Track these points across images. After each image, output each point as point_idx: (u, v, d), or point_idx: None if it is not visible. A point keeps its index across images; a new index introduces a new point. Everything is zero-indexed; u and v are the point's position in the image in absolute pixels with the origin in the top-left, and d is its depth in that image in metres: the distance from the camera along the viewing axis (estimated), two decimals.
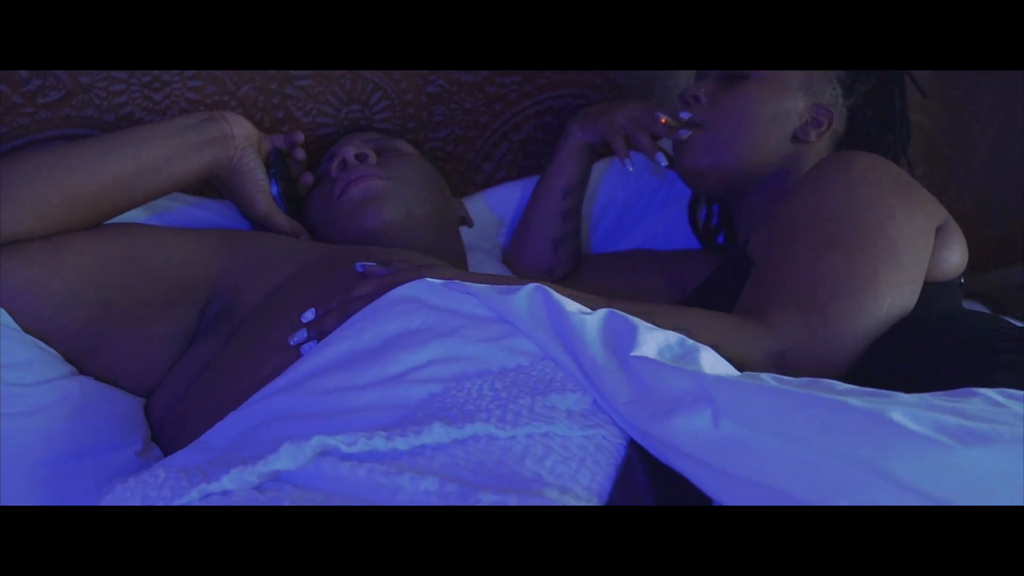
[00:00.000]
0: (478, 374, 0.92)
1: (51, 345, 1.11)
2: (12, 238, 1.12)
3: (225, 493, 0.81)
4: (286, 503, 0.78)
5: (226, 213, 1.38)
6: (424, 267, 1.09)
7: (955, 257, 1.18)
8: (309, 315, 1.06)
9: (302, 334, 1.05)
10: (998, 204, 1.70)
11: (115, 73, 1.33)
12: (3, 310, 1.09)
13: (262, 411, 0.95)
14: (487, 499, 0.76)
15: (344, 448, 0.83)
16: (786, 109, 1.35)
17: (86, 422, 1.07)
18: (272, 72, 1.41)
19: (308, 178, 1.37)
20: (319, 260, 1.18)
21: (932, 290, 1.14)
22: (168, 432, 1.13)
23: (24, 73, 1.28)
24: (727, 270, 1.31)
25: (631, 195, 1.63)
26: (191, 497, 0.80)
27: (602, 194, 1.62)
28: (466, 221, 1.49)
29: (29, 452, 1.03)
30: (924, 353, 1.05)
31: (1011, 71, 1.75)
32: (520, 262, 1.52)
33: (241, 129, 1.27)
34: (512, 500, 0.76)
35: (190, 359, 1.16)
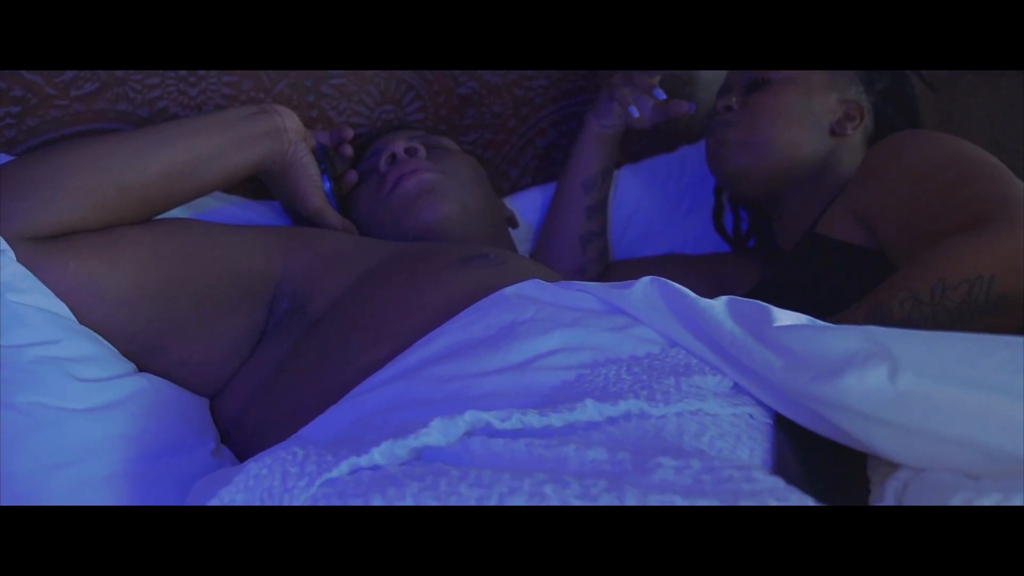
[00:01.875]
0: (610, 362, 0.89)
1: (110, 343, 1.04)
2: (66, 229, 1.04)
3: (375, 468, 0.76)
4: (443, 480, 0.73)
5: (267, 214, 1.32)
6: None
7: None
8: None
9: None
10: None
11: None
12: (63, 304, 1.02)
13: (374, 401, 0.90)
14: (667, 463, 0.72)
15: (497, 424, 0.79)
16: (817, 105, 1.37)
17: (160, 421, 1.01)
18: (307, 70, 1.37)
19: (353, 176, 1.32)
20: (394, 257, 1.13)
21: None
22: (244, 432, 1.06)
23: None
24: (799, 259, 1.29)
25: (656, 202, 1.61)
26: (340, 470, 0.75)
27: (627, 202, 1.60)
28: (512, 221, 1.46)
29: (106, 452, 0.96)
30: None
31: (1002, 80, 1.79)
32: (548, 263, 1.48)
33: (292, 122, 1.22)
34: (696, 465, 0.72)
35: (261, 357, 1.09)
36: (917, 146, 1.22)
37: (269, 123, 1.20)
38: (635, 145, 1.65)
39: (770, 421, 0.86)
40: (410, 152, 1.29)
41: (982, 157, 1.17)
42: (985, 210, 1.06)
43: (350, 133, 1.30)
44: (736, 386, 0.88)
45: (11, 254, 0.99)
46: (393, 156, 1.29)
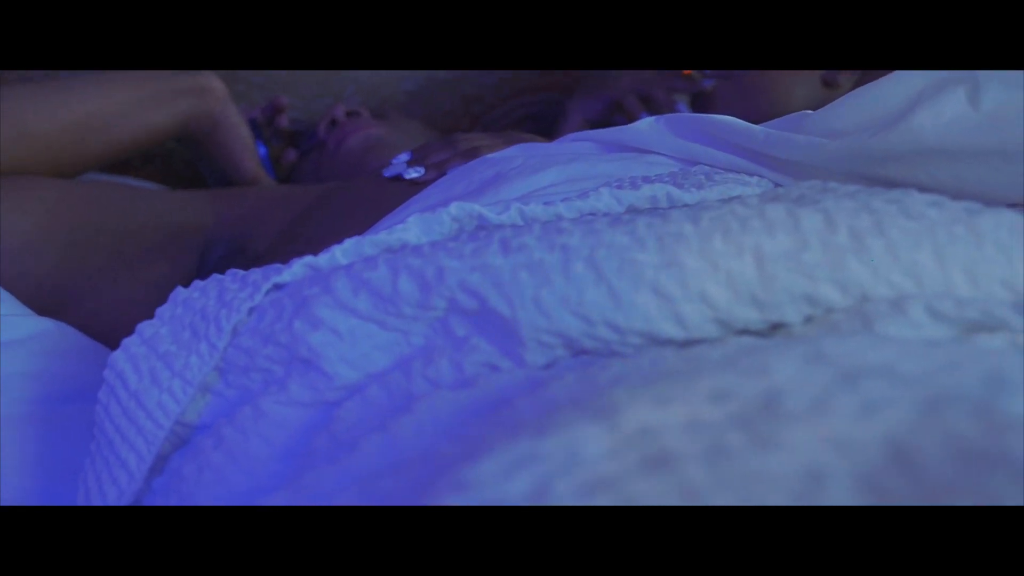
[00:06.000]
0: (622, 179, 0.73)
1: (11, 292, 0.86)
2: None
3: (335, 269, 0.58)
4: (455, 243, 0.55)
5: None
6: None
7: None
8: (405, 156, 0.89)
9: (401, 166, 0.85)
10: None
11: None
12: None
13: None
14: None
15: (493, 218, 0.62)
16: None
17: (68, 363, 0.82)
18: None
19: (291, 154, 1.17)
20: (337, 186, 0.97)
21: None
22: None
23: None
24: None
25: None
26: (293, 273, 0.58)
27: None
28: None
29: (3, 391, 0.76)
30: None
31: None
32: None
33: (218, 83, 1.08)
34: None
35: None
36: None
37: (192, 81, 1.05)
38: None
39: None
40: (352, 115, 1.15)
41: None
42: None
43: (284, 100, 1.16)
44: (776, 185, 0.72)
45: None
46: (334, 121, 1.15)
